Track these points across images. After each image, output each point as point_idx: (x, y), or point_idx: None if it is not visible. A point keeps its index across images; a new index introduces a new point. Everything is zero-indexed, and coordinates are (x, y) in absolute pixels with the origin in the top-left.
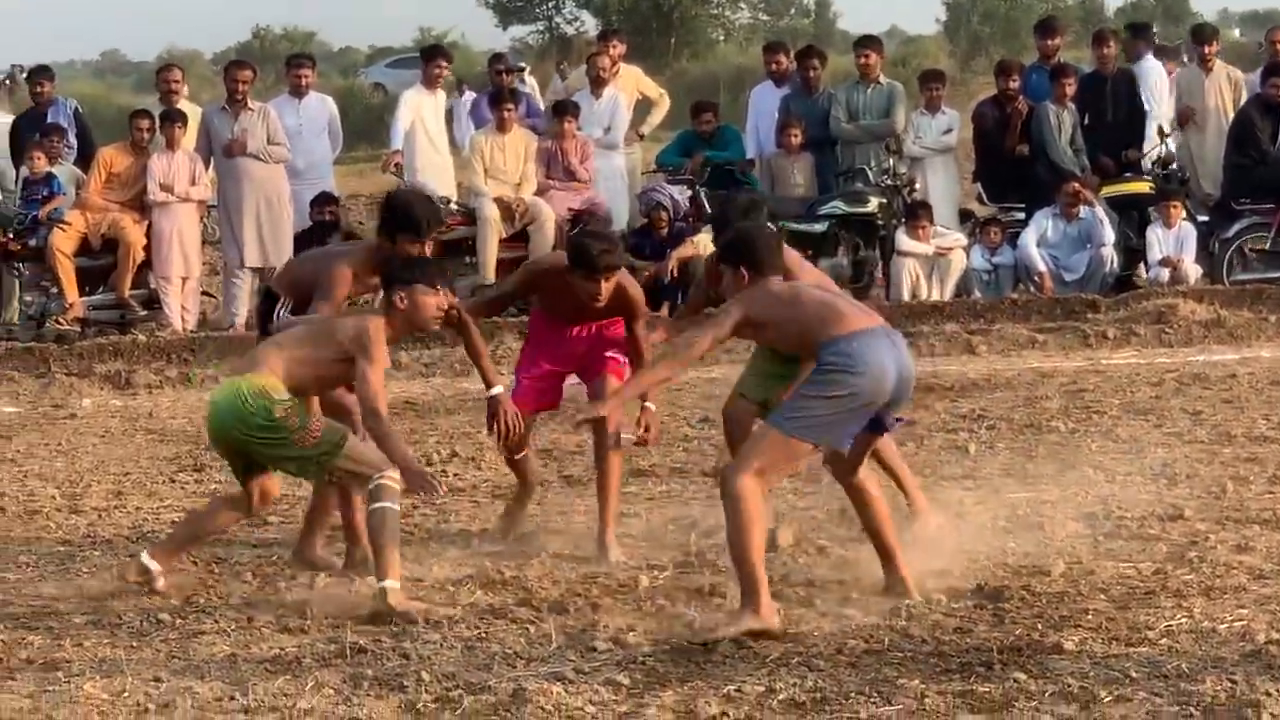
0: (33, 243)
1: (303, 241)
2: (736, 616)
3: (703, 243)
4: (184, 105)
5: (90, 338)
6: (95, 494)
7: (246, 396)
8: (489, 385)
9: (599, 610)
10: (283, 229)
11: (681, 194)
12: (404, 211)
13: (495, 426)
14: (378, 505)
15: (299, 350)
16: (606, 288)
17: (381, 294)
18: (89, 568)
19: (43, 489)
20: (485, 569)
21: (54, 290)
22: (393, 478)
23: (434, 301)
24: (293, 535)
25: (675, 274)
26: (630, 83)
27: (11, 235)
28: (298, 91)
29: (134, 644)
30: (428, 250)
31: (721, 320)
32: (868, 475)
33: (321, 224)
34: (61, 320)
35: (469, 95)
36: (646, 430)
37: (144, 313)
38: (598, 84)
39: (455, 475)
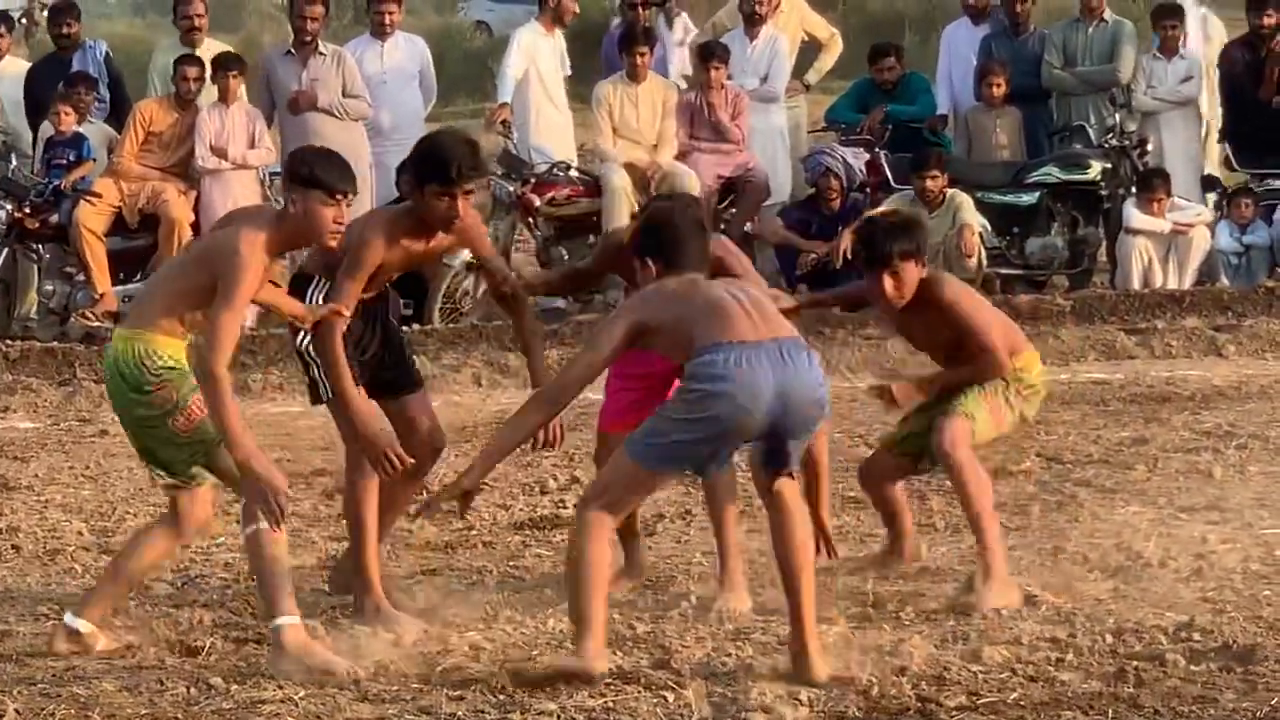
0: (55, 219)
1: None
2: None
3: None
4: (207, 49)
5: None
6: (130, 529)
7: (125, 360)
8: (535, 384)
9: (752, 674)
10: (362, 201)
11: (857, 158)
12: (429, 153)
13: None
14: (255, 527)
15: (177, 282)
16: None
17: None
18: (123, 621)
19: (66, 523)
20: (613, 623)
21: (80, 278)
22: (286, 501)
23: (330, 214)
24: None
25: (849, 256)
26: (793, 21)
27: (28, 210)
28: (381, 32)
29: (179, 716)
30: (461, 205)
31: (602, 337)
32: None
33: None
34: (90, 315)
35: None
36: None
37: None
38: (753, 22)
39: (574, 506)
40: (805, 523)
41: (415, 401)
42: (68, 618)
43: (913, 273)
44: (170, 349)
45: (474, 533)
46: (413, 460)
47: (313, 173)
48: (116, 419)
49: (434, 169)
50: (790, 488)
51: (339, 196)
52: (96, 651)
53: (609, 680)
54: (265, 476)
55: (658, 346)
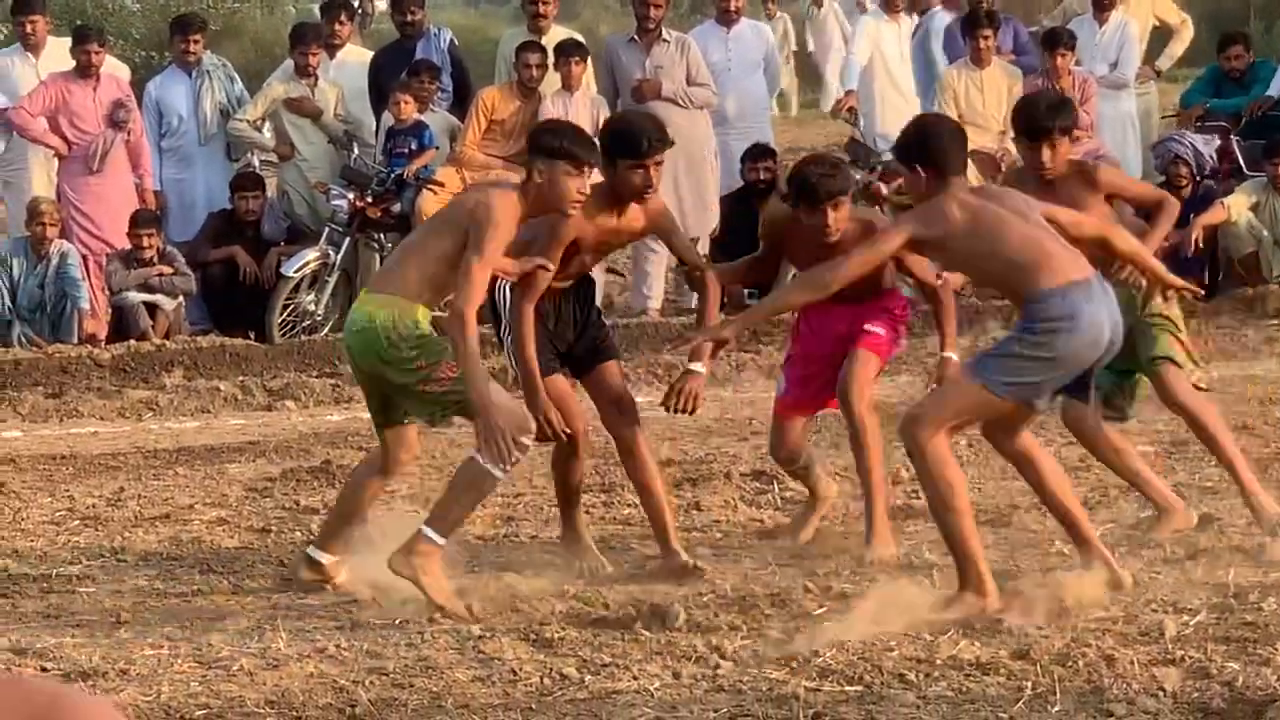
0: (396, 208)
1: (733, 205)
2: (952, 601)
3: (1235, 205)
4: (552, 36)
5: None
6: (479, 519)
7: (379, 327)
8: (692, 359)
9: (1113, 664)
10: (707, 190)
11: (1207, 144)
12: (621, 130)
13: (671, 397)
14: (478, 461)
15: (431, 245)
16: (835, 218)
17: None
18: (478, 610)
19: (414, 514)
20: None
21: None
22: (522, 444)
23: (575, 185)
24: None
25: (1199, 245)
26: (1144, 6)
27: (370, 199)
28: (725, 19)
29: (533, 706)
30: (653, 175)
31: (880, 241)
32: (1029, 440)
33: (756, 184)
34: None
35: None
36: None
37: None
38: (1102, 7)
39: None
40: (1048, 458)
41: (606, 369)
42: (310, 549)
43: (1066, 147)
44: (422, 316)
45: (825, 522)
46: (570, 431)
47: (561, 144)
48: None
49: (626, 143)
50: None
51: (584, 167)
52: (338, 584)
53: (968, 671)
54: (499, 428)
55: (943, 260)
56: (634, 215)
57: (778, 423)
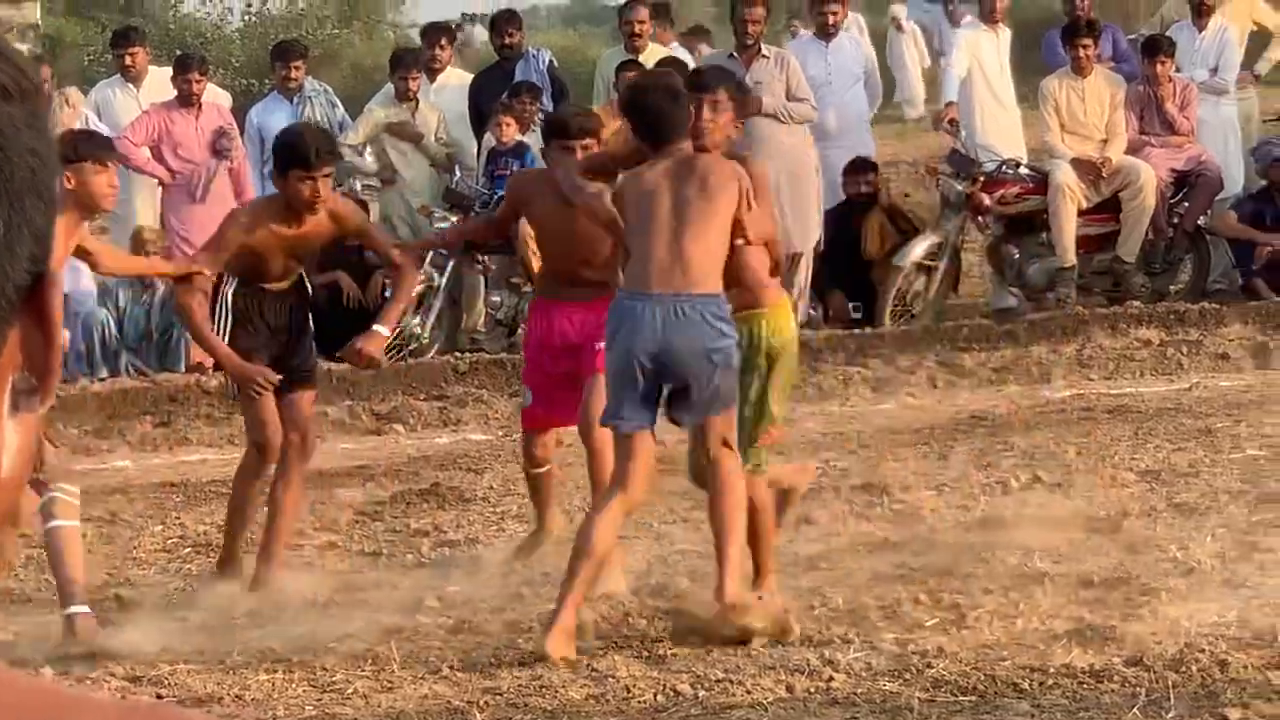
0: None
1: (834, 219)
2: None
3: None
4: (650, 55)
5: None
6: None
7: None
8: (378, 322)
9: (1227, 668)
10: (810, 205)
11: None
12: (290, 142)
13: (353, 355)
14: (56, 524)
15: None
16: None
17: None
18: (592, 631)
19: (524, 534)
20: (1082, 620)
21: (527, 288)
22: (71, 492)
23: (104, 179)
24: None
25: None
26: (1243, 10)
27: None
28: (825, 32)
29: None
30: (321, 186)
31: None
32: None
33: (856, 198)
34: None
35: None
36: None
37: None
38: (1201, 12)
39: (1039, 506)
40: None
41: (302, 398)
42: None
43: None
44: None
45: (934, 533)
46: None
47: (77, 149)
48: None
49: (295, 155)
50: None
51: (107, 162)
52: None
53: (1081, 679)
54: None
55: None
56: (318, 220)
57: (525, 435)
